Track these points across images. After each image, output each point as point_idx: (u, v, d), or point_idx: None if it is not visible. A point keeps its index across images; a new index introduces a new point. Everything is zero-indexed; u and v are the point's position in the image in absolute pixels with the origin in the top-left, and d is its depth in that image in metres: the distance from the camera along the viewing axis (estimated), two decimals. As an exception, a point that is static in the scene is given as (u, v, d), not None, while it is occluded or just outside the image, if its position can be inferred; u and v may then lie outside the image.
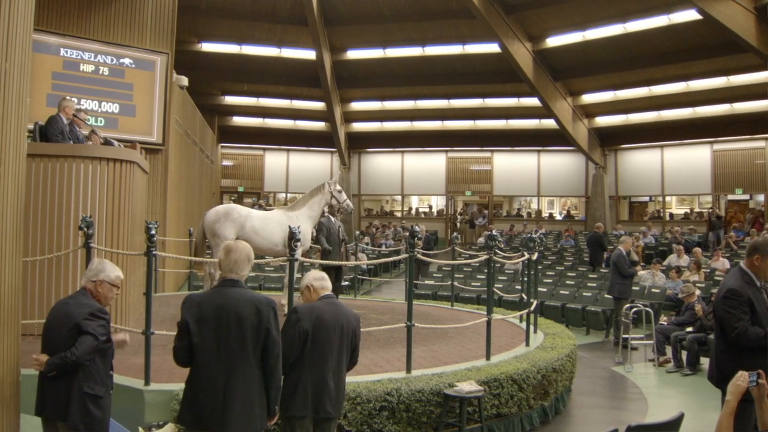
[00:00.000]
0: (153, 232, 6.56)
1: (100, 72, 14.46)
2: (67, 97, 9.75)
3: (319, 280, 4.86)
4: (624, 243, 13.51)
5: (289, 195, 31.29)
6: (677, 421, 4.40)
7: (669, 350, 11.23)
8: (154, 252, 6.61)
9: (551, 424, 7.96)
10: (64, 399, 4.29)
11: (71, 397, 4.29)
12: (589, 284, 16.22)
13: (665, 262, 17.49)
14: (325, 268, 10.91)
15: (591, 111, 26.61)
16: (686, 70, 22.06)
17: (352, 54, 26.57)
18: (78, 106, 12.48)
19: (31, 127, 8.60)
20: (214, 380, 4.06)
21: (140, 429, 5.98)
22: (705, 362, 10.72)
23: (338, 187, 11.12)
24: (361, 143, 31.26)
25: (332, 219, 11.57)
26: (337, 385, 4.69)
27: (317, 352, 4.60)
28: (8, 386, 4.88)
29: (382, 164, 31.83)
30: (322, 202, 10.89)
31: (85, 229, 7.22)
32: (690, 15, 19.45)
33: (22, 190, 5.16)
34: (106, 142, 9.68)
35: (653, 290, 14.84)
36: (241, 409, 4.06)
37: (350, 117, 30.00)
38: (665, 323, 11.88)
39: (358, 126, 30.54)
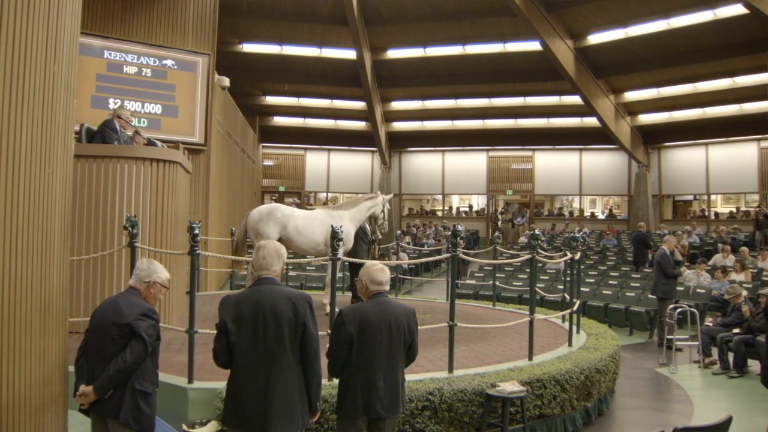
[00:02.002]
0: (196, 231, 6.60)
1: (143, 73, 14.69)
2: (126, 108, 9.86)
3: (377, 284, 4.71)
4: (668, 242, 13.28)
5: (329, 194, 31.42)
6: (725, 424, 4.32)
7: (715, 352, 11.02)
8: (197, 251, 6.65)
9: (594, 426, 7.87)
10: (116, 396, 4.33)
11: (124, 394, 4.33)
12: (632, 284, 16.03)
13: (710, 262, 17.20)
14: (353, 267, 11.02)
15: (634, 108, 26.28)
16: (732, 65, 21.63)
17: (393, 53, 26.60)
18: (123, 107, 12.71)
19: (77, 128, 8.74)
20: (255, 379, 4.09)
21: (184, 426, 6.04)
22: (752, 364, 10.53)
23: (389, 206, 11.22)
24: (402, 142, 31.27)
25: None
26: (389, 385, 4.62)
27: (364, 353, 4.55)
28: (57, 383, 4.96)
29: (422, 163, 31.81)
30: (371, 209, 10.91)
31: (130, 228, 7.27)
32: (736, 9, 19.12)
33: (69, 191, 5.24)
34: (150, 143, 9.80)
35: (698, 290, 14.61)
36: (283, 407, 4.09)
37: (391, 116, 30.03)
38: (711, 324, 11.66)
39: (399, 125, 30.57)
